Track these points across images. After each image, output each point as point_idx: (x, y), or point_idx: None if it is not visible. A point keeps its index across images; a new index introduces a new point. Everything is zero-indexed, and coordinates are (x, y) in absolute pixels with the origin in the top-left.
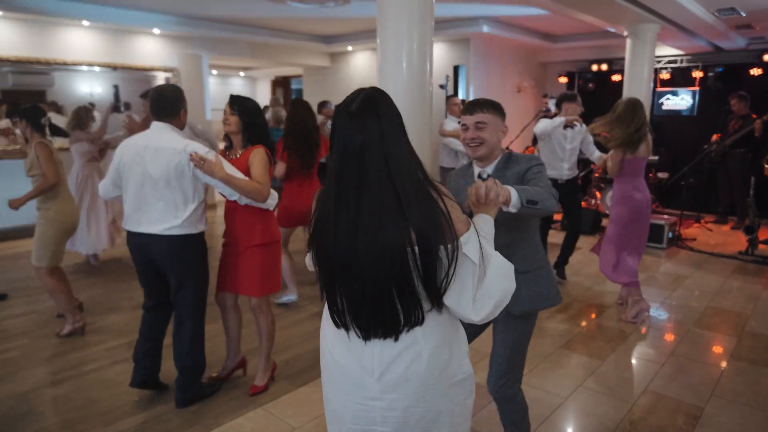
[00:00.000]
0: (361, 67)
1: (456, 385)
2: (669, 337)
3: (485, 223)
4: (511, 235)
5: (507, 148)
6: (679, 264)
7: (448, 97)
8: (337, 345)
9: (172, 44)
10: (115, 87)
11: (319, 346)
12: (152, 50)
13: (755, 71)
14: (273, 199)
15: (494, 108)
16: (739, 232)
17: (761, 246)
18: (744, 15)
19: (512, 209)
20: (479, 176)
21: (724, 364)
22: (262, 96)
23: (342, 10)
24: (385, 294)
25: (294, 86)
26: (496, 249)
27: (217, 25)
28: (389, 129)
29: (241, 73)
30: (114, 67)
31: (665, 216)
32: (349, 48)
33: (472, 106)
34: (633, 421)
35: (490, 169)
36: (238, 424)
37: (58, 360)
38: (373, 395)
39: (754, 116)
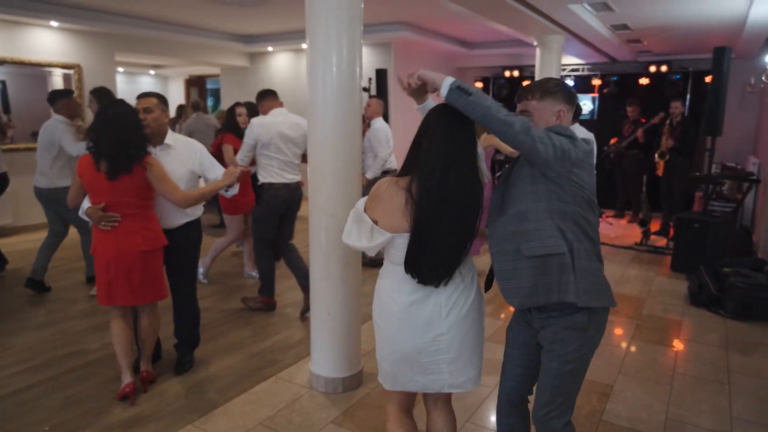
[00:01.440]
0: (282, 68)
1: (483, 312)
2: None
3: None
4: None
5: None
6: None
7: (371, 97)
8: (406, 297)
9: (73, 39)
10: (2, 83)
11: (377, 306)
12: (49, 44)
13: (644, 81)
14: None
15: (540, 92)
16: (635, 225)
17: (653, 237)
18: (633, 30)
19: (443, 92)
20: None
21: (626, 344)
22: (175, 96)
23: (261, 10)
24: (460, 245)
25: (210, 86)
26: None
27: (125, 20)
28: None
29: (151, 72)
30: (1, 62)
31: None
32: (270, 48)
33: (520, 94)
34: None
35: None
36: None
37: None
38: (441, 331)
39: (644, 120)
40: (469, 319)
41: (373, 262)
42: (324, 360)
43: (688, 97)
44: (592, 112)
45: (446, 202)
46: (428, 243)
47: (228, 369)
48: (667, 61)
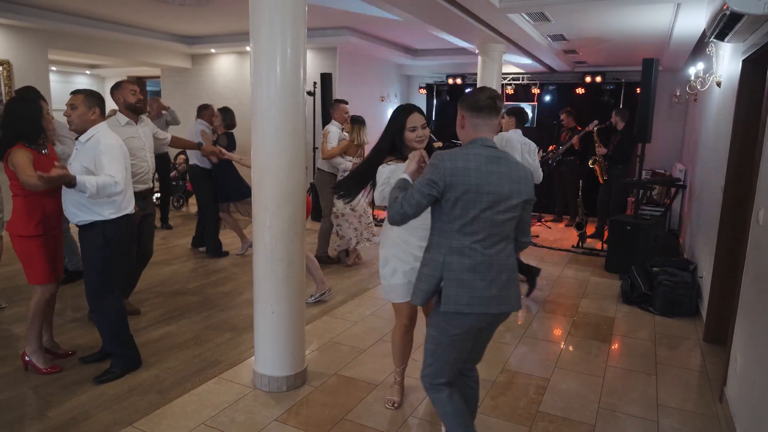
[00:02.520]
0: (225, 71)
1: None
2: (520, 321)
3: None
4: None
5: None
6: (526, 258)
7: (336, 101)
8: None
9: (2, 34)
10: None
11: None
12: None
13: (580, 90)
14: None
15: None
16: (572, 229)
17: (588, 240)
18: (569, 41)
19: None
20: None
21: (563, 340)
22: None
23: (204, 10)
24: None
25: (150, 87)
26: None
27: (60, 16)
28: None
29: (88, 71)
30: None
31: None
32: (212, 50)
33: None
34: (494, 397)
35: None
36: None
37: None
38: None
39: (580, 128)
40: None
41: (329, 259)
42: (268, 359)
43: (621, 106)
44: (531, 120)
45: None
46: None
47: (169, 371)
48: (601, 72)
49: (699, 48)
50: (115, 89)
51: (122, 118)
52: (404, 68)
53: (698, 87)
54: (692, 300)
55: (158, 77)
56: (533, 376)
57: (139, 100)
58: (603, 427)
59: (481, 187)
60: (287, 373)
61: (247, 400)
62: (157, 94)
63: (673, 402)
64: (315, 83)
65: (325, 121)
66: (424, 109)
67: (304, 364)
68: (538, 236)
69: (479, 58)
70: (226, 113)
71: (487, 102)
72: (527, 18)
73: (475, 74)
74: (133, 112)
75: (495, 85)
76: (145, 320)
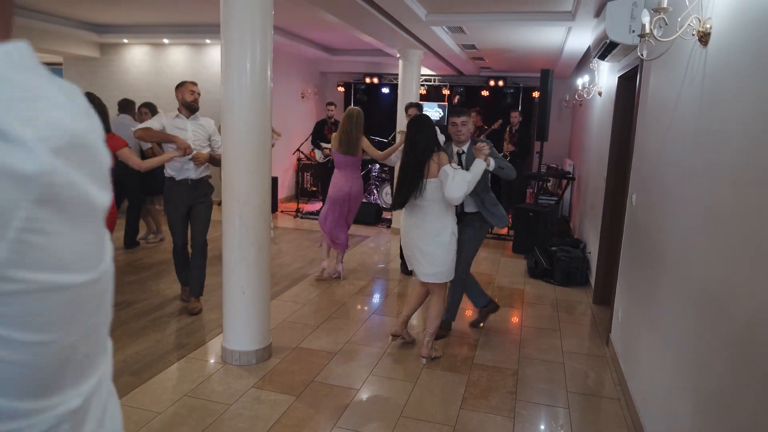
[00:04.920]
0: (139, 62)
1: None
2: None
3: (476, 165)
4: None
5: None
6: None
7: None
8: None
9: None
10: None
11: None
12: None
13: (485, 92)
14: None
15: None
16: None
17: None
18: (479, 50)
19: (490, 168)
20: (457, 153)
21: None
22: None
23: None
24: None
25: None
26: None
27: None
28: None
29: None
30: None
31: None
32: (125, 40)
33: (458, 111)
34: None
35: (465, 147)
36: None
37: None
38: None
39: (486, 127)
40: (429, 234)
41: None
42: (238, 335)
43: (520, 108)
44: (441, 119)
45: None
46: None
47: (136, 355)
48: (503, 77)
49: (584, 62)
50: (178, 88)
51: (175, 112)
52: (321, 65)
53: (584, 95)
54: (583, 272)
55: (59, 64)
56: (466, 335)
57: (195, 99)
58: (524, 371)
59: None
60: (256, 347)
61: (221, 373)
62: None
63: (574, 348)
64: None
65: None
66: (342, 108)
67: (270, 339)
68: None
69: (400, 62)
70: (153, 109)
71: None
72: (447, 30)
73: (391, 74)
74: (188, 108)
75: (414, 87)
76: None
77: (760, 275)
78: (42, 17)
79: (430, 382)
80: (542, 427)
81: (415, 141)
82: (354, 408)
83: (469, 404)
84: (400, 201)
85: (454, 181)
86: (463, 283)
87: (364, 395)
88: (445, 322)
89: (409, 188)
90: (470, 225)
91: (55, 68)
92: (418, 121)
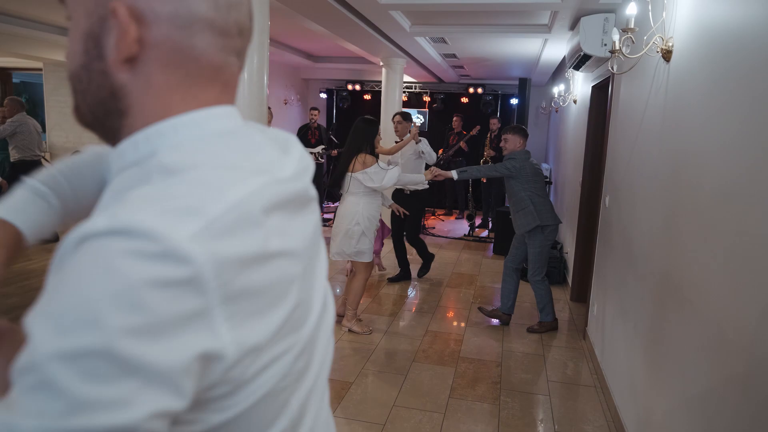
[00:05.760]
0: None
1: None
2: (434, 295)
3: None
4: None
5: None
6: (429, 247)
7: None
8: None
9: None
10: None
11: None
12: None
13: (465, 99)
14: None
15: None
16: (463, 221)
17: (477, 230)
18: (459, 59)
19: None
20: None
21: (469, 305)
22: None
23: None
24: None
25: (18, 80)
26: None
27: None
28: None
29: None
30: None
31: None
32: None
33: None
34: (425, 349)
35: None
36: None
37: None
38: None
39: (465, 132)
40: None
41: None
42: None
43: (498, 114)
44: (423, 124)
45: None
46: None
47: None
48: (482, 84)
49: (559, 71)
50: None
51: None
52: (303, 71)
53: (560, 103)
54: (560, 271)
55: (39, 70)
56: (452, 333)
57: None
58: (507, 363)
59: None
60: None
61: None
62: (38, 88)
63: (553, 342)
64: None
65: None
66: (325, 114)
67: None
68: (434, 227)
69: (383, 70)
70: None
71: None
72: (429, 40)
73: (373, 81)
74: None
75: (397, 94)
76: None
77: (711, 264)
78: (22, 23)
79: (420, 374)
80: (525, 412)
81: (350, 139)
82: (349, 398)
83: (457, 393)
84: (330, 184)
85: (387, 174)
86: (545, 285)
87: (358, 388)
88: (546, 322)
89: (337, 177)
90: (531, 241)
91: (34, 74)
92: (360, 122)
